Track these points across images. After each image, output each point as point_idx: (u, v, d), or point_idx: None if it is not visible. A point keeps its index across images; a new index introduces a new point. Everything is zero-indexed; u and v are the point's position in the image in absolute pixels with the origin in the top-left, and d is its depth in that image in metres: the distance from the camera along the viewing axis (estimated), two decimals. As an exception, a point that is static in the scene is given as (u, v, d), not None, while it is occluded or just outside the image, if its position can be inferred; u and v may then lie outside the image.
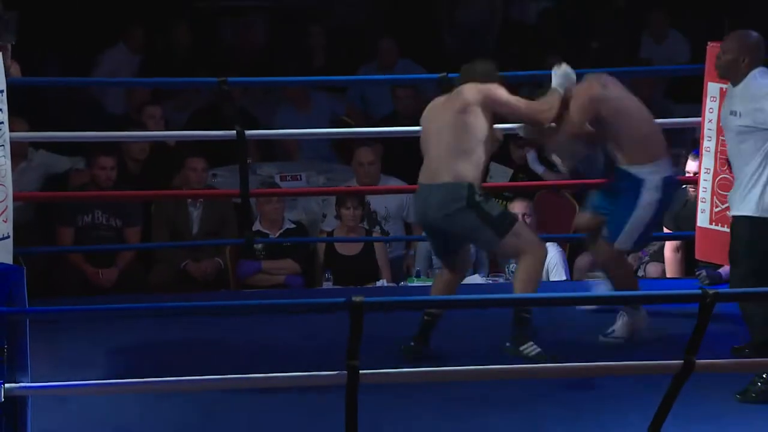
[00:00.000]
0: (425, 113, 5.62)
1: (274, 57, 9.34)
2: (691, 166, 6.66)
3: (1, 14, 6.08)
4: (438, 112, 5.53)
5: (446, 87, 5.75)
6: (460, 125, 5.41)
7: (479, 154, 5.42)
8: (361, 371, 4.22)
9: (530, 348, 5.44)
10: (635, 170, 5.58)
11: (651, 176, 5.57)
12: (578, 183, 7.18)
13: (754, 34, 5.32)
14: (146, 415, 5.04)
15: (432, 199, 5.40)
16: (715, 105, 6.16)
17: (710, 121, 6.22)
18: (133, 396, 5.05)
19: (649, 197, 5.58)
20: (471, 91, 5.46)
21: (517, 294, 5.37)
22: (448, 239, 5.49)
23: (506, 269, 7.30)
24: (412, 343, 5.54)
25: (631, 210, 5.59)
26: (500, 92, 5.48)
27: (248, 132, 6.34)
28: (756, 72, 5.25)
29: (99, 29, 8.99)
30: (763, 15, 9.12)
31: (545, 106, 5.56)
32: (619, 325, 5.70)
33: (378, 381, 4.40)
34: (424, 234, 5.97)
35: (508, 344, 5.47)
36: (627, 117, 5.61)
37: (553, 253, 7.22)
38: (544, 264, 5.58)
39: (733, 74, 5.30)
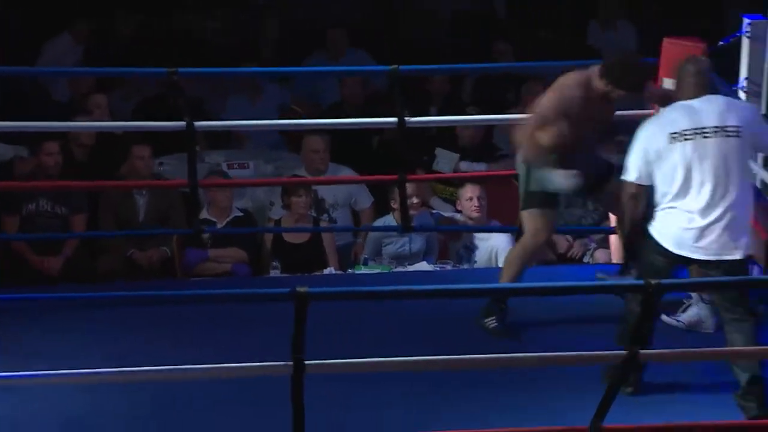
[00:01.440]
0: None
1: (223, 46, 9.27)
2: None
3: None
4: None
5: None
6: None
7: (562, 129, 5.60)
8: (307, 362, 4.19)
9: (491, 322, 5.68)
10: None
11: None
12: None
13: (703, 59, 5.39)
14: (93, 406, 4.99)
15: None
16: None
17: (663, 116, 6.28)
18: (79, 386, 4.99)
19: None
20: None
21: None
22: None
23: (456, 255, 7.30)
24: None
25: None
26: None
27: (198, 123, 6.26)
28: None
29: (44, 18, 8.89)
30: (713, 3, 9.18)
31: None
32: (691, 313, 5.70)
33: (324, 371, 4.38)
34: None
35: (478, 315, 5.70)
36: None
37: (501, 238, 7.22)
38: (531, 253, 5.79)
39: None
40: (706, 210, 5.15)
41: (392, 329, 5.78)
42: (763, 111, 6.33)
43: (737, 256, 5.17)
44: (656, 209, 5.27)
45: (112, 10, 9.15)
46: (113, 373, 4.56)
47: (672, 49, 6.24)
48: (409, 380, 5.17)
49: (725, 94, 5.90)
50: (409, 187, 6.70)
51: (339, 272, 7.16)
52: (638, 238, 5.45)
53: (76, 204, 7.29)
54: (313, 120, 7.76)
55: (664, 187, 5.19)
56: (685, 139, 5.17)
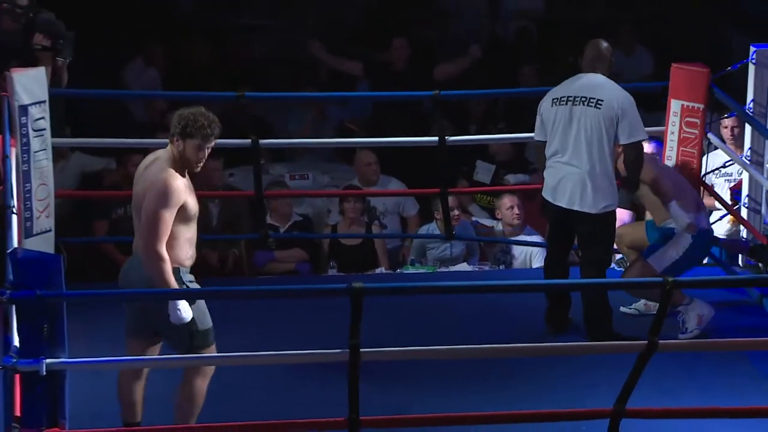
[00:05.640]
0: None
1: (282, 70, 9.30)
2: None
3: (65, 33, 6.14)
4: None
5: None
6: None
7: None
8: (361, 349, 4.22)
9: None
10: (671, 224, 5.73)
11: (682, 233, 5.71)
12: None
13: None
14: (170, 387, 5.04)
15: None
16: (677, 119, 6.30)
17: (672, 133, 6.34)
18: (157, 370, 5.03)
19: (681, 241, 5.69)
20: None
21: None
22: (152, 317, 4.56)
23: (494, 257, 7.30)
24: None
25: (663, 244, 5.72)
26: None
27: (262, 141, 6.37)
28: None
29: (123, 45, 8.97)
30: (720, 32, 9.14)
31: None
32: (690, 319, 5.68)
33: (376, 358, 4.41)
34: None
35: None
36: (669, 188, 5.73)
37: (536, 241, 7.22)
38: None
39: None
40: None
41: (437, 321, 5.81)
42: None
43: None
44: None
45: (180, 37, 9.20)
46: (186, 358, 4.59)
47: (680, 73, 6.27)
48: (440, 369, 5.22)
49: (736, 114, 5.99)
50: (451, 200, 6.71)
51: (389, 271, 7.20)
52: None
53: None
54: (365, 138, 7.81)
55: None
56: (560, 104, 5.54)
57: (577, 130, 5.49)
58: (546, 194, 5.64)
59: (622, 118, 5.48)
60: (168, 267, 4.40)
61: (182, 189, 4.43)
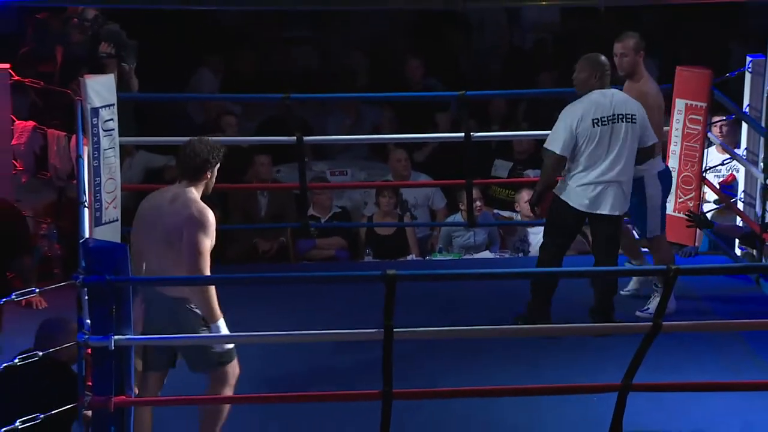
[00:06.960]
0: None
1: (324, 77, 9.33)
2: None
3: (126, 42, 6.22)
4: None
5: None
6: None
7: None
8: (395, 329, 4.23)
9: None
10: (636, 172, 5.54)
11: (647, 173, 5.56)
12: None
13: (603, 57, 5.48)
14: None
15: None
16: (681, 117, 6.30)
17: (676, 129, 6.31)
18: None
19: (652, 189, 5.56)
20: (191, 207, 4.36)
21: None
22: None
23: (513, 246, 7.30)
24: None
25: (644, 204, 5.57)
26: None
27: (306, 138, 6.40)
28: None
29: (186, 57, 9.01)
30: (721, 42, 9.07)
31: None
32: (653, 303, 5.63)
33: (408, 337, 4.41)
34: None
35: None
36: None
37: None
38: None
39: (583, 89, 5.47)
40: None
41: (462, 304, 5.81)
42: (763, 124, 6.33)
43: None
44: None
45: (235, 48, 9.24)
46: (234, 336, 4.58)
47: (684, 75, 6.26)
48: (467, 346, 5.22)
49: (735, 116, 5.92)
50: (474, 193, 6.72)
51: (419, 258, 7.21)
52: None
53: (212, 201, 7.37)
54: (398, 135, 7.81)
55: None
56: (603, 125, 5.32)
57: (621, 146, 5.34)
58: (581, 208, 5.40)
59: (644, 126, 5.43)
60: (214, 294, 4.37)
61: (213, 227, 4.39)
